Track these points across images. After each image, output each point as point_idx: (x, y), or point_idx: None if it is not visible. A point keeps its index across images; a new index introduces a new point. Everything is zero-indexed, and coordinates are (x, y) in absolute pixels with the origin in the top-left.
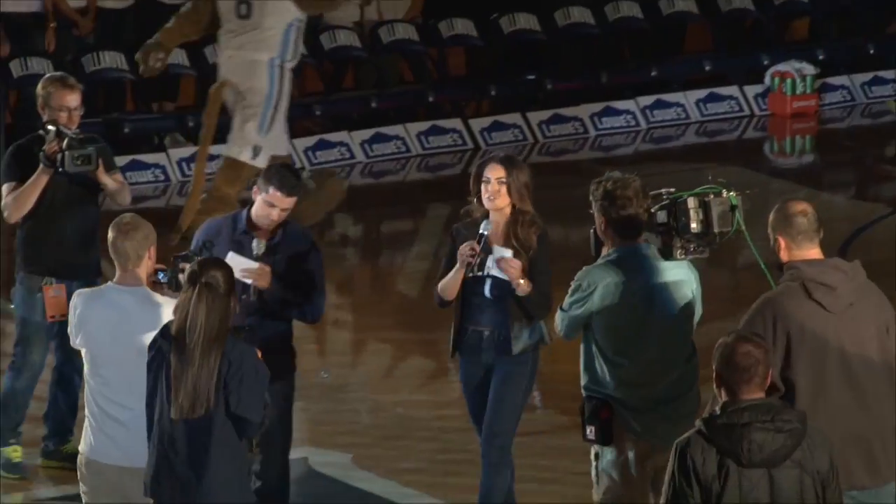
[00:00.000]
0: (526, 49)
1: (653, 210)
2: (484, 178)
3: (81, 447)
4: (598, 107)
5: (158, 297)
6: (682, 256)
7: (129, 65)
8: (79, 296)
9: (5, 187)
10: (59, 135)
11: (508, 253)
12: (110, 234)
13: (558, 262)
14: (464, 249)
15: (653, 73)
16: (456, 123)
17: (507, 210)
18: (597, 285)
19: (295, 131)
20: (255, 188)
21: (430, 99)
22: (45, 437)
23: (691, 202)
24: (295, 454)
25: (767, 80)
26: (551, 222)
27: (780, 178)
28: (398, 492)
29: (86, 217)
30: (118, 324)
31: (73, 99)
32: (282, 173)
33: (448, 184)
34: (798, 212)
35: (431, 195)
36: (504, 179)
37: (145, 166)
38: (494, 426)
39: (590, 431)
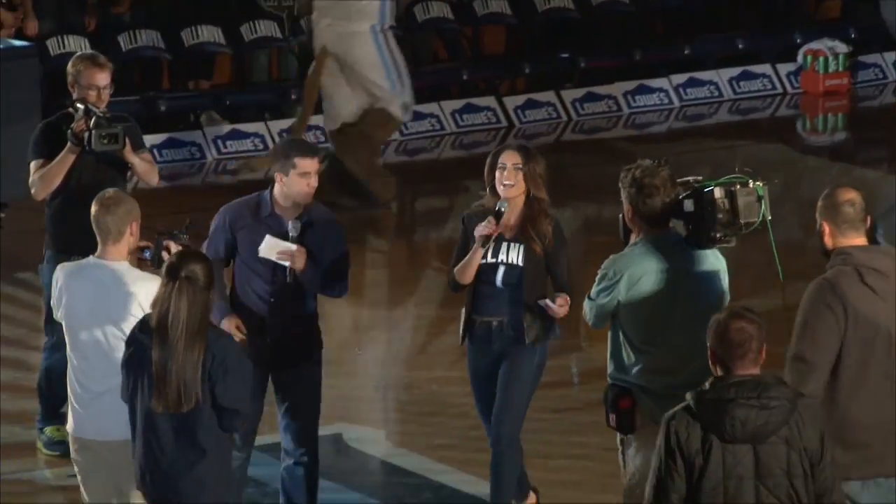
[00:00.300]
0: (560, 27)
1: (680, 198)
2: (500, 165)
3: (69, 425)
4: (631, 85)
5: (138, 273)
6: (709, 245)
7: (164, 43)
8: (62, 269)
9: (33, 164)
10: (88, 113)
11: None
12: (93, 209)
13: (591, 238)
14: (481, 228)
15: (686, 52)
16: (490, 101)
17: (522, 199)
18: (623, 274)
19: None
20: (278, 175)
21: (465, 77)
22: None
23: (717, 192)
24: (328, 430)
25: (800, 58)
26: (584, 200)
27: (812, 155)
28: (431, 467)
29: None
30: (96, 298)
31: (103, 77)
32: (293, 142)
33: (482, 161)
34: (846, 200)
35: (465, 172)
36: (520, 166)
37: (181, 144)
38: (504, 417)
39: (612, 419)
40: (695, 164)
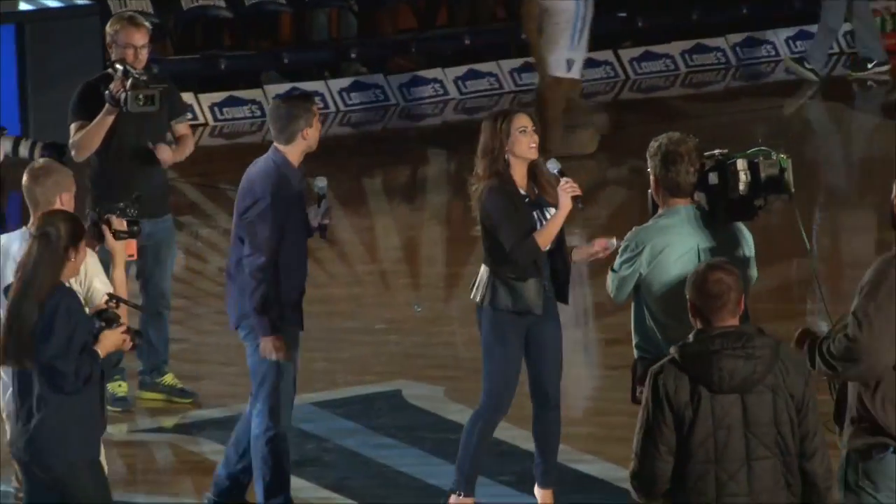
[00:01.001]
0: None
1: (705, 171)
2: (521, 129)
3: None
4: (688, 44)
5: None
6: (731, 219)
7: (225, 2)
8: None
9: (73, 126)
10: (126, 74)
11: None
12: (24, 180)
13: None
14: (567, 188)
15: (743, 11)
16: None
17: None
18: (645, 245)
19: (390, 68)
20: (303, 131)
21: (523, 36)
22: (141, 372)
23: (740, 164)
24: (387, 387)
25: None
26: (641, 158)
27: (868, 113)
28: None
29: (154, 157)
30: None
31: (140, 37)
32: (298, 96)
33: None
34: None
35: None
36: (536, 129)
37: (242, 102)
38: (556, 380)
39: (639, 392)
40: (751, 121)
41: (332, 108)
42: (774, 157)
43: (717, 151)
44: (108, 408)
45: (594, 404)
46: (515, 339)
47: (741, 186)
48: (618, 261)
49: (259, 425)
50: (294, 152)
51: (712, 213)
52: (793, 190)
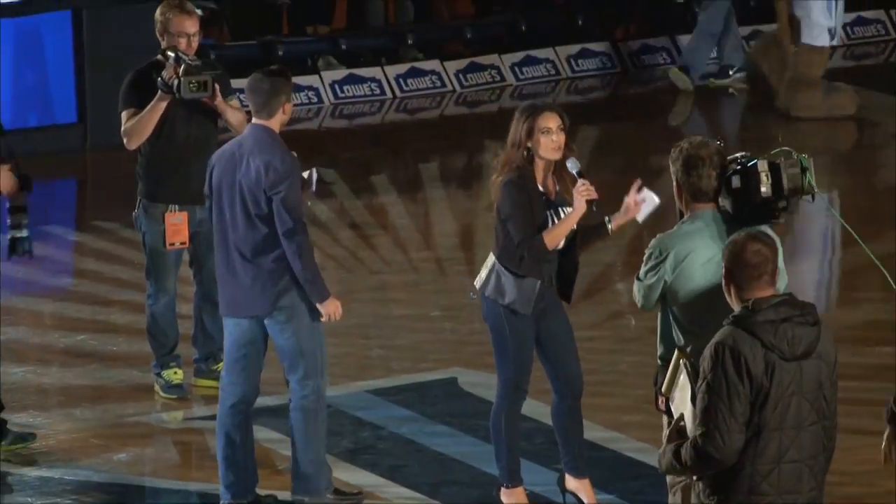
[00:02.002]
0: (662, 11)
1: (728, 175)
2: (544, 129)
3: None
4: (746, 29)
5: None
6: (755, 222)
7: None
8: None
9: (124, 114)
10: (178, 61)
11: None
12: None
13: None
14: (584, 191)
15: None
16: (605, 47)
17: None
18: (669, 252)
19: (446, 54)
20: (284, 106)
21: (580, 22)
22: (197, 360)
23: (761, 165)
24: (443, 374)
25: None
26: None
27: None
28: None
29: (206, 144)
30: None
31: (192, 25)
32: (278, 69)
33: (596, 106)
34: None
35: (580, 118)
36: (563, 127)
37: (299, 88)
38: (579, 371)
39: (661, 402)
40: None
41: (389, 95)
42: (795, 157)
43: (739, 154)
44: (163, 395)
45: (645, 392)
46: (521, 323)
47: (763, 189)
48: (643, 269)
49: (317, 401)
50: (275, 125)
51: (738, 217)
52: (816, 190)
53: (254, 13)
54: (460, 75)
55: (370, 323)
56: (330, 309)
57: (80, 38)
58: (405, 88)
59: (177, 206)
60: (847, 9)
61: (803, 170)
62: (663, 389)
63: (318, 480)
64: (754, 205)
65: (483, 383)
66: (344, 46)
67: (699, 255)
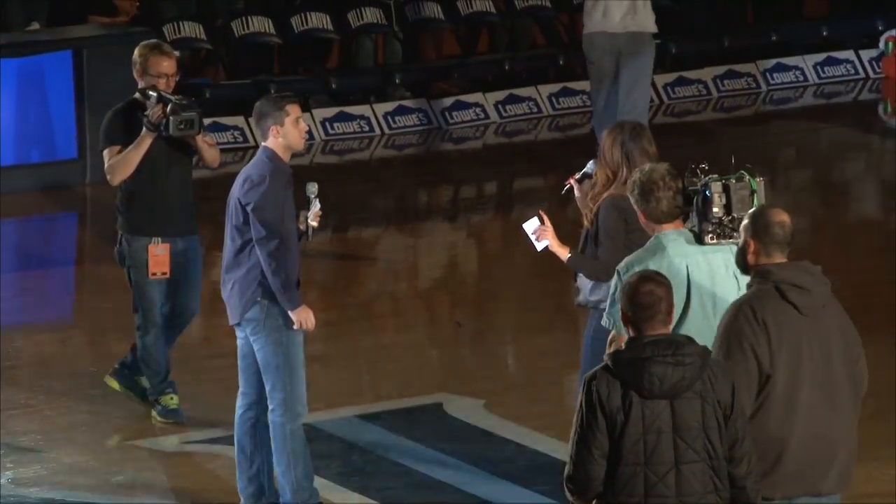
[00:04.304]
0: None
1: (689, 195)
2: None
3: None
4: (720, 70)
5: None
6: (713, 241)
7: (275, 29)
8: None
9: (107, 152)
10: (162, 100)
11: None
12: None
13: None
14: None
15: (773, 38)
16: (586, 85)
17: None
18: (634, 270)
19: (432, 93)
20: (273, 129)
21: (561, 62)
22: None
23: (715, 187)
24: (429, 399)
25: (882, 44)
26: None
27: (893, 137)
28: (530, 436)
29: (183, 177)
30: None
31: (170, 66)
32: (275, 96)
33: (577, 142)
34: (776, 222)
35: (562, 153)
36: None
37: None
38: None
39: None
40: (782, 145)
41: (378, 132)
42: (746, 180)
43: (700, 174)
44: (160, 420)
45: None
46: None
47: (715, 209)
48: (610, 297)
49: (283, 414)
50: (276, 147)
51: (696, 236)
52: None
53: (248, 53)
54: (446, 113)
55: (359, 350)
56: (301, 316)
57: (81, 77)
58: (393, 126)
59: (160, 239)
60: (817, 50)
61: (752, 192)
62: None
63: (295, 494)
64: (710, 224)
65: (468, 408)
66: (334, 85)
67: (665, 273)
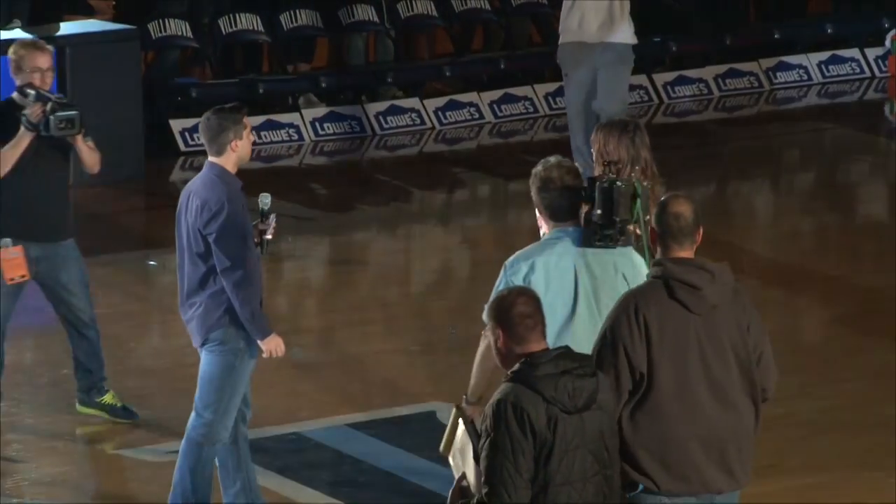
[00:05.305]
0: (652, 11)
1: (582, 195)
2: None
3: None
4: (722, 68)
5: None
6: (599, 244)
7: (263, 27)
8: None
9: None
10: (41, 98)
11: None
12: None
13: None
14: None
15: (776, 36)
16: None
17: None
18: (520, 266)
19: (425, 92)
20: (232, 143)
21: (558, 60)
22: (79, 390)
23: (601, 187)
24: (422, 408)
25: (888, 42)
26: (676, 182)
27: None
28: None
29: (56, 179)
30: None
31: (45, 60)
32: (228, 108)
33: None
34: (672, 213)
35: (558, 154)
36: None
37: (279, 126)
38: None
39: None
40: (785, 146)
41: (369, 132)
42: (631, 184)
43: (610, 170)
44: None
45: None
46: None
47: (598, 211)
48: (496, 287)
49: (205, 436)
50: (227, 163)
51: (585, 236)
52: (644, 217)
53: (235, 52)
54: (440, 113)
55: (350, 357)
56: (271, 346)
57: (63, 76)
58: (385, 126)
59: (10, 242)
60: (821, 48)
61: (634, 197)
62: (441, 449)
63: None
64: (594, 225)
65: None
66: (324, 84)
67: (548, 271)
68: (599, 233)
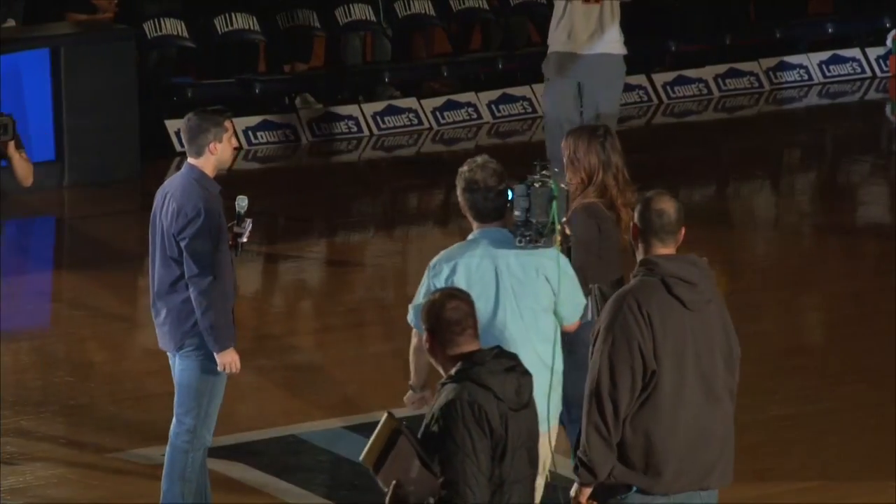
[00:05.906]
0: (652, 11)
1: (506, 196)
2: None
3: None
4: (722, 68)
5: None
6: (521, 245)
7: (260, 26)
8: None
9: None
10: None
11: None
12: None
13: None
14: None
15: (777, 36)
16: None
17: None
18: (442, 266)
19: (423, 92)
20: (211, 145)
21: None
22: None
23: (519, 189)
24: (418, 410)
25: (889, 42)
26: (675, 183)
27: None
28: None
29: None
30: None
31: None
32: (209, 111)
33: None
34: (655, 209)
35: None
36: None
37: (276, 126)
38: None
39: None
40: (786, 147)
41: (366, 132)
42: (549, 185)
43: (539, 170)
44: None
45: None
46: None
47: (517, 212)
48: (417, 293)
49: (189, 441)
50: (206, 166)
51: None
52: (557, 220)
53: (232, 51)
54: (437, 113)
55: (346, 359)
56: (226, 360)
57: (58, 75)
58: (382, 126)
59: None
60: (822, 48)
61: (551, 198)
62: (362, 457)
63: None
64: (518, 227)
65: None
66: (321, 84)
67: (468, 272)
68: (518, 234)
